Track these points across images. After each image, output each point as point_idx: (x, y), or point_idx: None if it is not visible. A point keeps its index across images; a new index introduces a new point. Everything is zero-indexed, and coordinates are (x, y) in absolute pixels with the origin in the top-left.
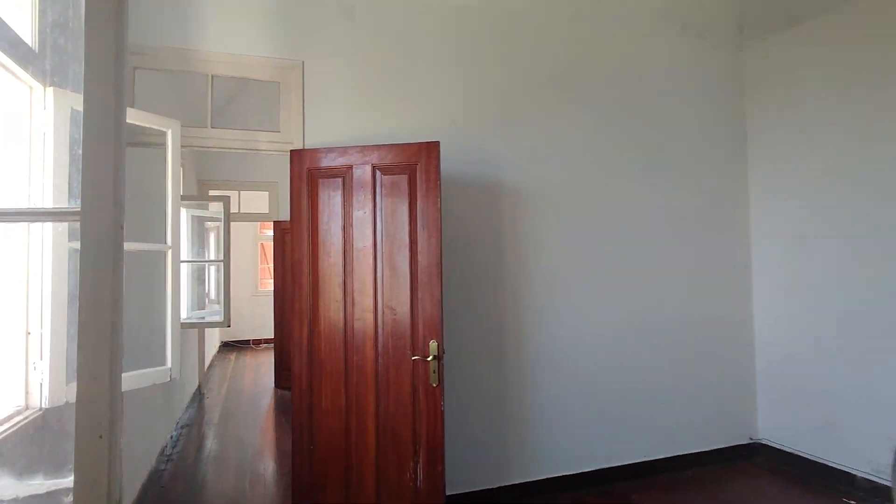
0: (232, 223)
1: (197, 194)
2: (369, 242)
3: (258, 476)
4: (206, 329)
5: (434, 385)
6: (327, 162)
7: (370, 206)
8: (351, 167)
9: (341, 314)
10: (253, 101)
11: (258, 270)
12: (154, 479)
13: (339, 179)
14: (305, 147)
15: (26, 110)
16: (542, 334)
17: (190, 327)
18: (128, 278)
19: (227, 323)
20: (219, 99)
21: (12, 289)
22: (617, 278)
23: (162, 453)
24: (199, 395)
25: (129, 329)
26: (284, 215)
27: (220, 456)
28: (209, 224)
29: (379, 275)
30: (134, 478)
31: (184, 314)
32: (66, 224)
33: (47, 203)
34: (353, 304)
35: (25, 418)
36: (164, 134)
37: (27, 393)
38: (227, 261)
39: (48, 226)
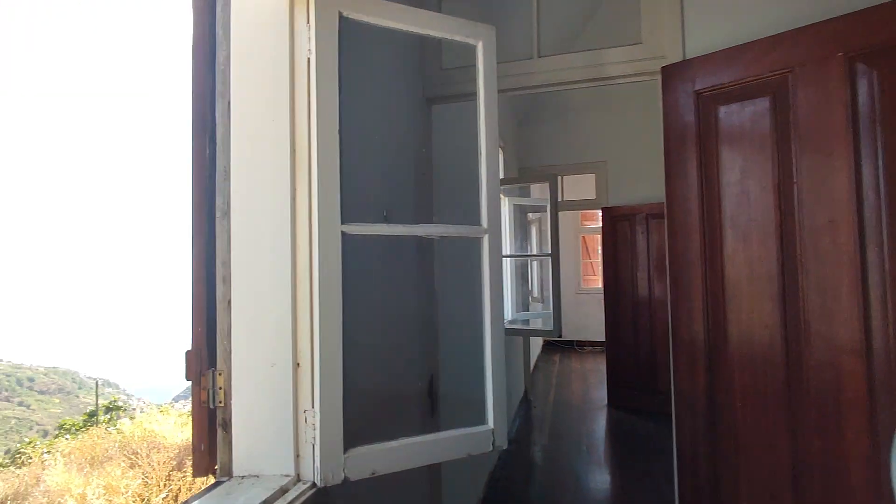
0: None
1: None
2: (843, 213)
3: None
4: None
5: None
6: (736, 72)
7: (840, 140)
8: (790, 71)
9: (779, 352)
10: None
11: (580, 266)
12: None
13: (764, 100)
14: (687, 58)
15: (284, 30)
16: None
17: (514, 334)
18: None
19: (557, 332)
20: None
21: (276, 300)
22: None
23: (491, 477)
24: (526, 402)
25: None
26: (615, 200)
27: (550, 499)
28: (530, 216)
29: (872, 278)
30: None
31: (508, 317)
32: (335, 201)
33: (301, 158)
34: (805, 335)
35: (294, 498)
36: (473, 53)
37: (297, 457)
38: (555, 255)
39: (305, 203)
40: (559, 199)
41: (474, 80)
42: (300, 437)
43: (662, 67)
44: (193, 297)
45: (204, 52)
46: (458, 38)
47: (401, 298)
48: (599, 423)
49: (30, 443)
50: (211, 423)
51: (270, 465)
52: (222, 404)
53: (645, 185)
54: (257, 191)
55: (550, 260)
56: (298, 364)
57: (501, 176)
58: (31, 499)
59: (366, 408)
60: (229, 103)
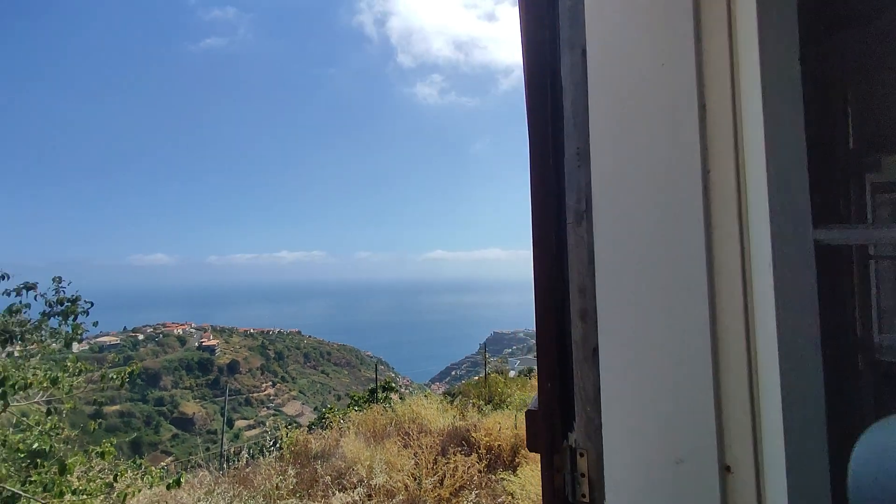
0: None
1: None
2: None
3: None
4: None
5: None
6: None
7: None
8: None
9: None
10: None
11: None
12: None
13: None
14: None
15: None
16: None
17: None
18: None
19: None
20: None
21: (679, 354)
22: None
23: None
24: None
25: None
26: None
27: None
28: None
29: None
30: None
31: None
32: (801, 190)
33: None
34: None
35: None
36: None
37: None
38: None
39: (728, 194)
40: None
41: None
42: None
43: None
44: (539, 338)
45: None
46: None
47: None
48: None
49: (331, 409)
50: None
51: None
52: (586, 499)
53: None
54: (635, 180)
55: None
56: (728, 468)
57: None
58: (332, 459)
59: None
60: (584, 52)
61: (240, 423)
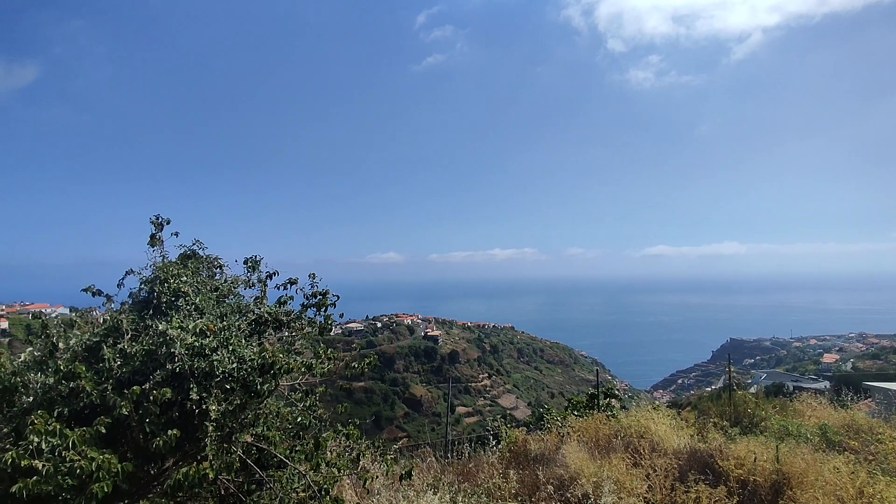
0: None
1: None
2: None
3: None
4: None
5: None
6: None
7: None
8: None
9: None
10: None
11: None
12: None
13: None
14: None
15: None
16: None
17: None
18: None
19: None
20: None
21: None
22: None
23: None
24: None
25: None
26: None
27: None
28: None
29: None
30: None
31: None
32: None
33: None
34: None
35: None
36: None
37: None
38: None
39: None
40: None
41: None
42: None
43: None
44: None
45: None
46: None
47: None
48: None
49: (548, 410)
50: None
51: None
52: None
53: None
54: None
55: None
56: None
57: None
58: (553, 466)
59: None
60: None
61: (460, 410)
